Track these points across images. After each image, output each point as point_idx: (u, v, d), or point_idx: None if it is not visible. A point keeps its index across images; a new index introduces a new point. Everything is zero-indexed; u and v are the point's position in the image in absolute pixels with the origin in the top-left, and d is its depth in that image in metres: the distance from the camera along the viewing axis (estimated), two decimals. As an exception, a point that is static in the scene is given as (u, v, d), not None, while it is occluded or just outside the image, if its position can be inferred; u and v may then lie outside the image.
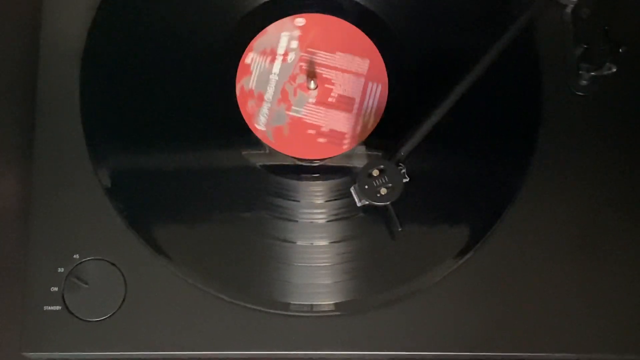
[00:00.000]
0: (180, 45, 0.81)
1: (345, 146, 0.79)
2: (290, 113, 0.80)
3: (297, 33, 0.81)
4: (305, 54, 0.81)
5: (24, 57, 0.85)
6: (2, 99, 0.85)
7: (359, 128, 0.79)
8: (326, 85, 0.80)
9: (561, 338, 0.76)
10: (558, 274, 0.77)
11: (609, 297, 0.77)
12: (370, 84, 0.80)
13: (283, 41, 0.81)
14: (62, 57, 0.81)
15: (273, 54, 0.81)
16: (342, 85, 0.80)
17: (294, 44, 0.81)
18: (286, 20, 0.82)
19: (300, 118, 0.80)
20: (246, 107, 0.79)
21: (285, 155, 0.79)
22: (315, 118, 0.80)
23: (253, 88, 0.80)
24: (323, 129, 0.79)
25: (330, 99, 0.80)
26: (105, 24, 0.81)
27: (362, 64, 0.81)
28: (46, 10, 0.82)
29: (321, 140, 0.79)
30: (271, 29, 0.81)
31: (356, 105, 0.80)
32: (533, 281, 0.77)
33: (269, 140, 0.79)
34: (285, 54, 0.81)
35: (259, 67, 0.80)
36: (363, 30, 0.81)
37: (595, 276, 0.77)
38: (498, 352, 0.76)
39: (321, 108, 0.80)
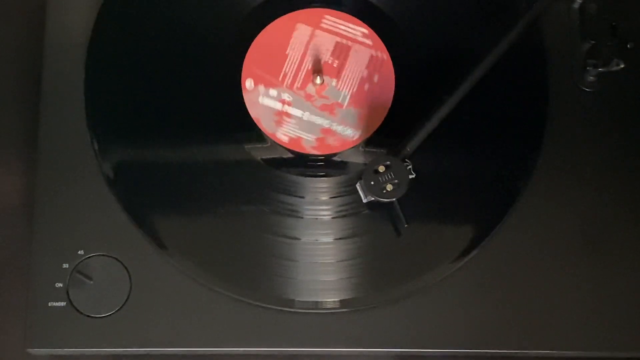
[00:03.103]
0: (184, 39, 0.80)
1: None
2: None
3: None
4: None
5: (28, 50, 0.84)
6: (6, 93, 0.85)
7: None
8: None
9: (565, 335, 0.76)
10: (563, 271, 0.77)
11: (614, 295, 0.77)
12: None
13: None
14: (67, 51, 0.80)
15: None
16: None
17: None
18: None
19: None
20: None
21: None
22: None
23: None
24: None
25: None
26: (110, 16, 0.81)
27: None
28: (51, 2, 0.81)
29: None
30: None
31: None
32: (538, 279, 0.76)
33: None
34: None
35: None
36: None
37: (600, 274, 0.77)
38: (502, 350, 0.76)
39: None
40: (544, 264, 0.77)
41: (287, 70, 0.80)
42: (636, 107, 0.80)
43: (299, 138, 0.79)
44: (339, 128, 0.79)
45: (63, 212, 0.76)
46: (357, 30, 0.81)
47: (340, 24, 0.81)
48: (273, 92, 0.80)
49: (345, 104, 0.80)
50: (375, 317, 0.75)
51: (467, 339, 0.76)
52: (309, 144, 0.79)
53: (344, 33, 0.81)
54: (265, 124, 0.79)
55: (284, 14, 0.81)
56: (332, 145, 0.78)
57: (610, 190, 0.78)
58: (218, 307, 0.75)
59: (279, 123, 0.79)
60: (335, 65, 0.80)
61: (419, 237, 0.76)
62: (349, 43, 0.81)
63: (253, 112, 0.79)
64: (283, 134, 0.79)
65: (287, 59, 0.80)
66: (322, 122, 0.79)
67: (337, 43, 0.81)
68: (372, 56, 0.80)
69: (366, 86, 0.80)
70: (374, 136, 0.79)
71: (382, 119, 0.79)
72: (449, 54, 0.80)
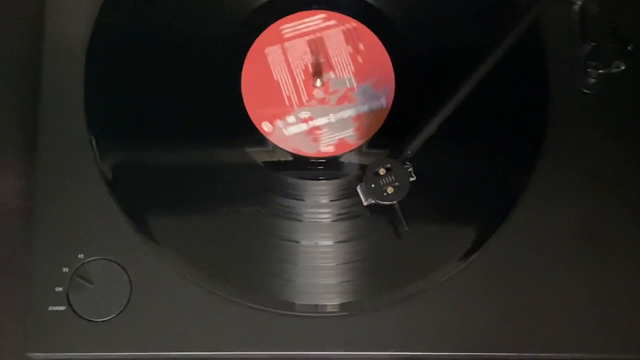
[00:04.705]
0: (184, 42, 0.80)
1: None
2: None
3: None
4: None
5: (27, 54, 0.84)
6: (6, 96, 0.85)
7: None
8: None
9: (567, 338, 0.76)
10: (564, 274, 0.77)
11: (615, 297, 0.77)
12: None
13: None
14: (66, 54, 0.80)
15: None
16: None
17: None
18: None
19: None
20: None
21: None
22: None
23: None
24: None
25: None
26: (109, 20, 0.81)
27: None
28: (50, 6, 0.81)
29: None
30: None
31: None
32: (539, 282, 0.76)
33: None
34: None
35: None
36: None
37: (601, 276, 0.77)
38: (503, 352, 0.76)
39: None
40: (545, 266, 0.77)
41: (287, 93, 0.80)
42: (637, 109, 0.80)
43: (341, 140, 0.78)
44: (364, 107, 0.79)
45: (63, 216, 0.76)
46: (316, 19, 0.81)
47: (298, 24, 0.81)
48: (291, 118, 0.79)
49: (355, 84, 0.80)
50: (375, 321, 0.75)
51: (468, 342, 0.75)
52: (353, 139, 0.78)
53: (308, 29, 0.81)
54: (306, 149, 0.78)
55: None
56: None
57: (611, 192, 0.78)
58: (219, 310, 0.75)
59: (316, 140, 0.79)
60: (322, 60, 0.80)
61: (419, 240, 0.76)
62: (318, 34, 0.81)
63: (289, 146, 0.78)
64: (326, 146, 0.78)
65: (281, 84, 0.80)
66: (349, 112, 0.79)
67: (308, 42, 0.80)
68: (343, 31, 0.80)
69: (359, 58, 0.80)
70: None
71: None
72: (449, 56, 0.80)
